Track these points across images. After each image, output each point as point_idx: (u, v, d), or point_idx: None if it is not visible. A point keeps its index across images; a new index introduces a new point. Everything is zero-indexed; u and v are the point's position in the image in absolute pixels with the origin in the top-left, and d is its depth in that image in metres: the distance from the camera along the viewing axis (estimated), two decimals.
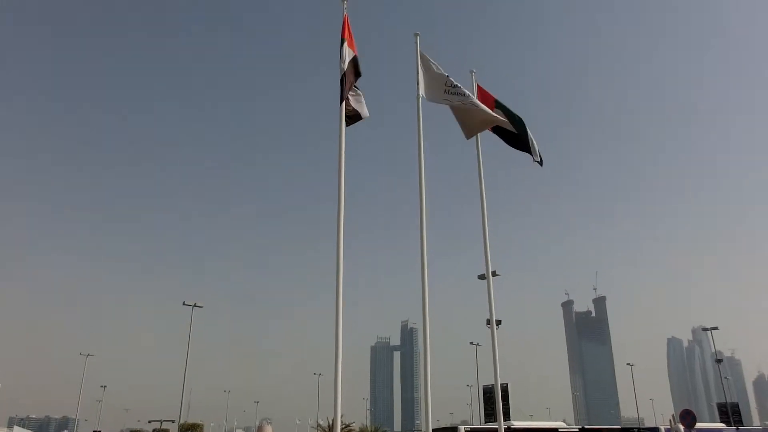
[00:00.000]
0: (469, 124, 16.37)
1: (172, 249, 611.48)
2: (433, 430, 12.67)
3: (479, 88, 17.73)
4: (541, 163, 16.77)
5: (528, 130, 16.70)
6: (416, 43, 16.44)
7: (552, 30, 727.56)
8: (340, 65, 14.48)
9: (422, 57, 16.43)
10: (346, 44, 14.82)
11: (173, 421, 55.87)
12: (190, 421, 45.05)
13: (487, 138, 17.17)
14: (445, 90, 16.07)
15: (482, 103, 16.93)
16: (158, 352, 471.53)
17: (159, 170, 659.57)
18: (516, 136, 16.82)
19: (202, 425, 45.06)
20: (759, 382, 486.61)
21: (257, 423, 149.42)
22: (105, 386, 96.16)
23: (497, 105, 17.21)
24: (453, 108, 16.33)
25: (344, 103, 14.35)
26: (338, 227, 12.79)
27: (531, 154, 16.74)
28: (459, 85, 16.18)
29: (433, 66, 16.38)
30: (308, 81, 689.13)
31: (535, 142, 16.73)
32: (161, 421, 60.45)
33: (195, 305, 47.49)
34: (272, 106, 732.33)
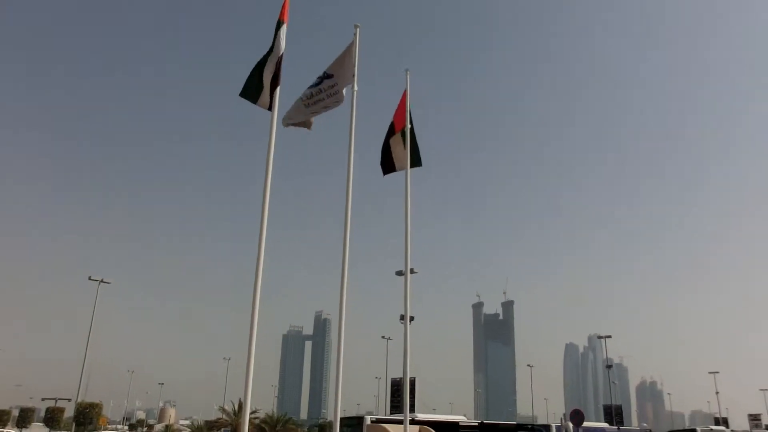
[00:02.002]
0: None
1: (82, 220, 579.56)
2: (340, 419, 12.96)
3: (405, 90, 18.03)
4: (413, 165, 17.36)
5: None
6: (356, 35, 16.46)
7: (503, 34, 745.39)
8: (276, 47, 14.22)
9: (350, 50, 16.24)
10: (284, 26, 14.61)
11: (69, 400, 53.08)
12: (88, 400, 42.88)
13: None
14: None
15: (399, 105, 17.43)
16: (57, 326, 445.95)
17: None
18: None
19: (101, 405, 43.04)
20: (641, 387, 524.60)
21: (160, 405, 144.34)
22: None
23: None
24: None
25: (278, 88, 14.11)
26: (262, 217, 12.80)
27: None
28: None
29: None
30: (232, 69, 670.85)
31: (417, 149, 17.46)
32: (56, 399, 57.24)
33: (102, 281, 45.43)
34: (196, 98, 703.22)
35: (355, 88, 15.92)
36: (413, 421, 22.33)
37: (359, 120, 15.97)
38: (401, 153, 17.27)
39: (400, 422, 20.52)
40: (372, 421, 25.57)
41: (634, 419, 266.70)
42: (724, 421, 71.44)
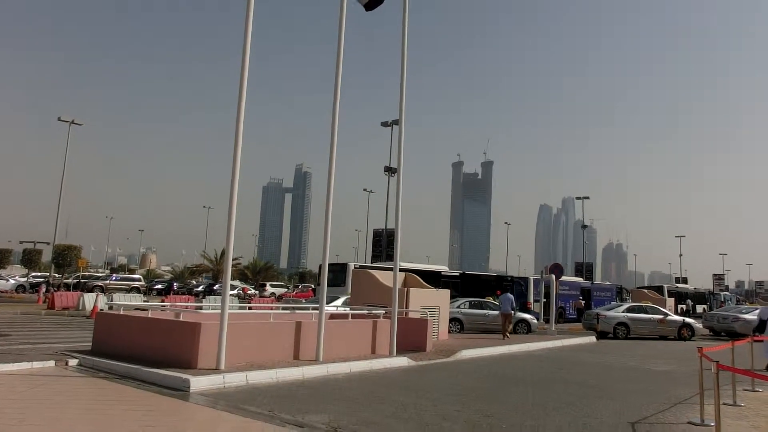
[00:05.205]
0: None
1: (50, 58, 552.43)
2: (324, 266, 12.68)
3: None
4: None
5: None
6: None
7: None
8: None
9: None
10: None
11: (48, 243, 53.12)
12: (67, 243, 42.71)
13: None
14: None
15: None
16: (32, 170, 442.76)
17: None
18: None
19: (80, 248, 42.99)
20: (607, 249, 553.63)
21: (141, 251, 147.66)
22: None
23: None
24: None
25: None
26: (243, 58, 11.19)
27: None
28: None
29: None
30: None
31: None
32: (35, 243, 57.35)
33: (73, 122, 42.96)
34: None
35: None
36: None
37: None
38: None
39: (383, 269, 20.63)
40: (356, 267, 25.92)
41: (598, 277, 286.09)
42: (684, 281, 75.50)
